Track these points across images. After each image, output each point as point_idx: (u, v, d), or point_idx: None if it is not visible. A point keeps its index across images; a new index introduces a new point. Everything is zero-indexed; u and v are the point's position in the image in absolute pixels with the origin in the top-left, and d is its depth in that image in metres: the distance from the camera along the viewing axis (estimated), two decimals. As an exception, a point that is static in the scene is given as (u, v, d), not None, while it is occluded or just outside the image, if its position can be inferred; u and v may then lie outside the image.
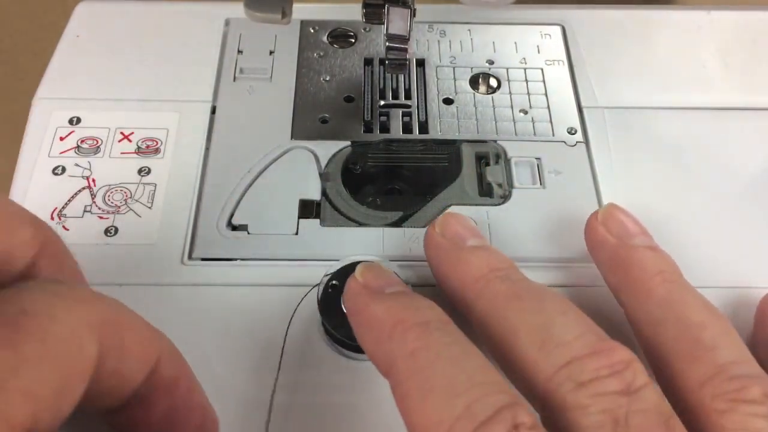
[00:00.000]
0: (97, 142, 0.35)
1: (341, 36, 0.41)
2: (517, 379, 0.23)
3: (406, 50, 0.32)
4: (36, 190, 0.33)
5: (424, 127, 0.37)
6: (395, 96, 0.38)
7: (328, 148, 0.35)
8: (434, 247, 0.28)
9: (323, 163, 0.35)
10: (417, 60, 0.39)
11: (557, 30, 0.41)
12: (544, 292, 0.25)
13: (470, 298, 0.25)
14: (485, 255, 0.26)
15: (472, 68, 0.39)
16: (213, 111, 0.36)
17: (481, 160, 0.35)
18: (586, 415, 0.21)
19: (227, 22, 0.40)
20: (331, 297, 0.28)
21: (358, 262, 0.28)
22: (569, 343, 0.22)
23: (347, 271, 0.28)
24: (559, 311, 0.24)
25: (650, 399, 0.21)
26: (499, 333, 0.24)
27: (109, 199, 0.33)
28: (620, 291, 0.27)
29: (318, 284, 0.29)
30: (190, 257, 0.31)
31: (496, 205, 0.33)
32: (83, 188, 0.33)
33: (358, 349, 0.27)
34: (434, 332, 0.22)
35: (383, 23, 0.32)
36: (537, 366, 0.22)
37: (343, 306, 0.27)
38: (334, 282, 0.28)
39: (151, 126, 0.35)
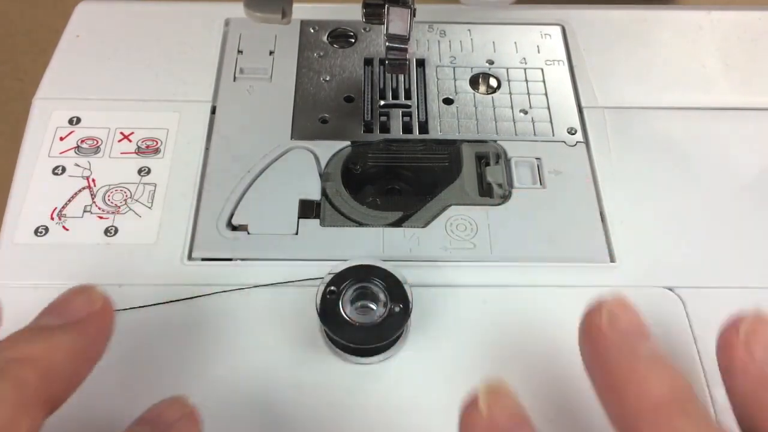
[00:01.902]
0: (97, 142, 0.35)
1: (341, 36, 0.41)
2: None
3: (406, 50, 0.32)
4: (36, 190, 0.33)
5: (424, 127, 0.37)
6: (395, 96, 0.38)
7: (328, 148, 0.35)
8: (600, 342, 0.22)
9: (323, 163, 0.35)
10: (417, 60, 0.39)
11: (557, 30, 0.41)
12: None
13: (643, 429, 0.21)
14: (665, 371, 0.22)
15: (472, 68, 0.39)
16: (213, 111, 0.36)
17: (481, 160, 0.35)
18: None
19: (227, 22, 0.40)
20: (330, 303, 0.28)
21: (356, 266, 0.28)
22: None
23: (344, 275, 0.28)
24: None
25: None
26: None
27: (109, 199, 0.33)
28: None
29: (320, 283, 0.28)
30: (190, 257, 0.31)
31: (496, 205, 0.33)
32: (83, 188, 0.33)
33: (359, 353, 0.27)
34: None
35: (383, 23, 0.32)
36: None
37: None
38: (332, 288, 0.28)
39: (151, 126, 0.35)
